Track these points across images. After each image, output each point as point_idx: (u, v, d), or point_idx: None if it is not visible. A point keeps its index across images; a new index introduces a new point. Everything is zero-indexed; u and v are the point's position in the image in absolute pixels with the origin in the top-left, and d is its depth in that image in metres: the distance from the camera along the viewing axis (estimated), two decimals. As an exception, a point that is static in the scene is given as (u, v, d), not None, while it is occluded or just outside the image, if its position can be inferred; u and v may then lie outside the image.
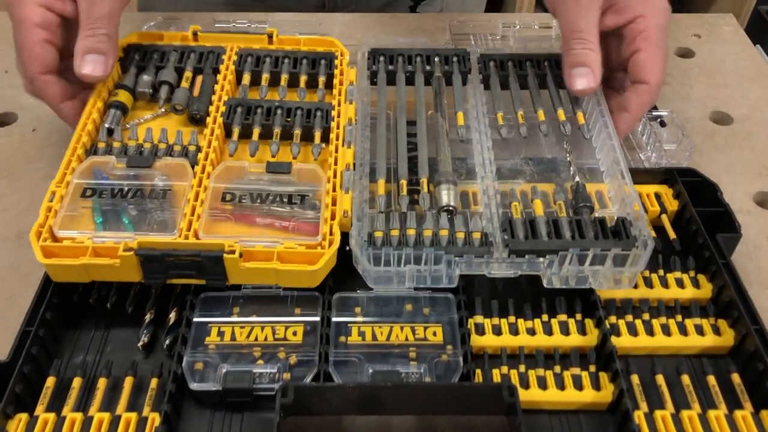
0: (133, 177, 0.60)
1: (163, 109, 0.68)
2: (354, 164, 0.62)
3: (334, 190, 0.60)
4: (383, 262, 0.55)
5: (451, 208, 0.59)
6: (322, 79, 0.70)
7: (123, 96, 0.66)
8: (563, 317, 0.58)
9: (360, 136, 0.64)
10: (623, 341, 0.56)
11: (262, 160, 0.64)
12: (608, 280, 0.55)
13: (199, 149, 0.62)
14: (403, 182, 0.61)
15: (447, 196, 0.59)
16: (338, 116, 0.66)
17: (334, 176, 0.61)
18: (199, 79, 0.69)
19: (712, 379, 0.54)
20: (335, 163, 0.62)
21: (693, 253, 0.63)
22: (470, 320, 0.57)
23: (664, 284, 0.60)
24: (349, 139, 0.64)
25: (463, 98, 0.69)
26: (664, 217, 0.66)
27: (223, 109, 0.66)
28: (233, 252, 0.53)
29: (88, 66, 0.63)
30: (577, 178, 0.62)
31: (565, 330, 0.57)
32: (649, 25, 0.64)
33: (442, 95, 0.69)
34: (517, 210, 0.60)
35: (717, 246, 0.61)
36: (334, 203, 0.59)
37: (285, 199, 0.59)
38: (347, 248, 0.56)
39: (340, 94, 0.68)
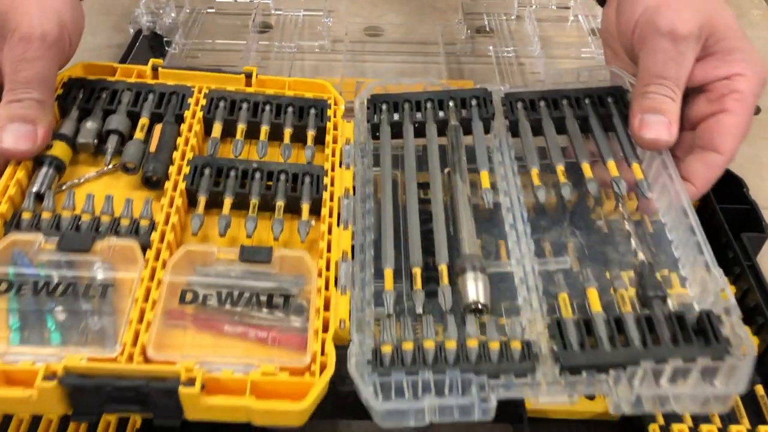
0: (65, 265, 0.46)
1: (110, 166, 0.54)
2: (352, 251, 0.49)
3: (326, 287, 0.46)
4: (394, 390, 0.42)
5: (480, 306, 0.46)
6: (311, 133, 0.57)
7: (59, 149, 0.52)
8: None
9: (360, 210, 0.51)
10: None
11: (235, 240, 0.51)
12: (696, 402, 0.42)
13: (153, 225, 0.49)
14: (417, 271, 0.48)
15: (475, 289, 0.46)
16: (332, 184, 0.53)
17: (327, 268, 0.47)
18: (158, 128, 0.55)
19: None
20: (328, 250, 0.49)
21: (716, 253, 0.52)
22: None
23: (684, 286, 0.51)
24: (346, 217, 0.50)
25: (487, 153, 0.56)
26: None
27: (186, 170, 0.52)
28: (192, 383, 0.40)
29: (9, 138, 0.49)
30: (641, 256, 0.49)
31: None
32: (746, 88, 0.52)
33: (460, 149, 0.55)
34: (567, 305, 0.47)
35: (742, 246, 0.57)
36: (326, 307, 0.45)
37: (263, 301, 0.46)
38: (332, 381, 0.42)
39: (333, 156, 0.55)
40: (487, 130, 0.58)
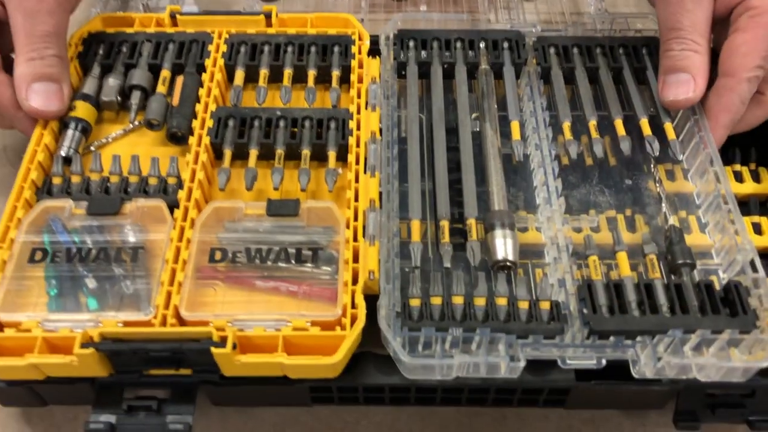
0: (96, 229, 0.46)
1: (134, 123, 0.53)
2: (380, 200, 0.47)
3: (355, 239, 0.46)
4: (422, 345, 0.42)
5: (509, 263, 0.45)
6: (336, 73, 0.55)
7: (83, 110, 0.52)
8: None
9: (386, 156, 0.50)
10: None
11: (262, 191, 0.50)
12: (718, 371, 0.41)
13: (180, 183, 0.48)
14: (445, 224, 0.47)
15: (503, 247, 0.45)
16: (357, 128, 0.51)
17: (355, 218, 0.47)
18: (179, 80, 0.54)
19: None
20: (356, 199, 0.48)
21: (754, 142, 0.53)
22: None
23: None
24: (373, 163, 0.49)
25: (518, 102, 0.53)
26: None
27: (210, 123, 0.51)
28: (224, 344, 0.40)
29: (38, 98, 0.49)
30: (671, 220, 0.47)
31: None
32: (762, 3, 0.47)
33: (490, 96, 0.53)
34: (597, 267, 0.45)
35: None
36: (356, 259, 0.45)
37: (292, 255, 0.45)
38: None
39: (359, 97, 0.53)
40: (518, 76, 0.55)
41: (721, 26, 0.51)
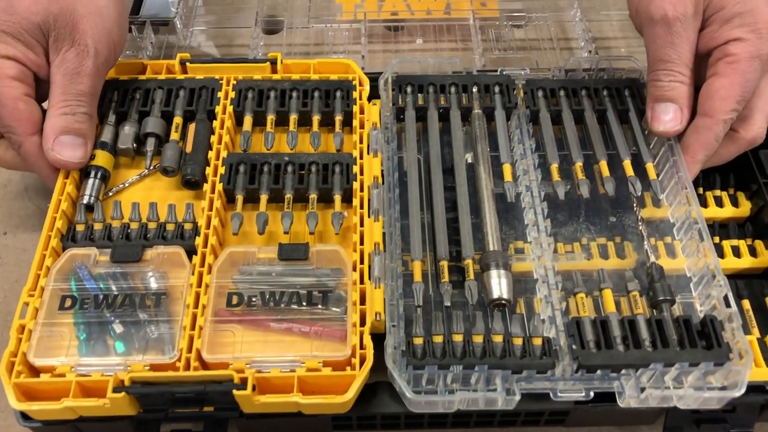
0: (120, 276, 0.50)
1: (150, 168, 0.57)
2: (383, 241, 0.51)
3: (361, 281, 0.49)
4: (426, 380, 0.46)
5: (504, 301, 0.49)
6: (338, 118, 0.59)
7: (102, 158, 0.55)
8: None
9: (388, 198, 0.53)
10: (663, 262, 0.52)
11: (273, 234, 0.54)
12: (696, 400, 0.45)
13: (196, 229, 0.52)
14: (444, 264, 0.51)
15: (498, 287, 0.49)
16: (361, 173, 0.55)
17: (361, 261, 0.50)
18: (192, 127, 0.57)
19: (746, 303, 0.53)
20: (361, 242, 0.51)
21: (733, 169, 0.58)
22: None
23: (704, 204, 0.57)
24: (377, 207, 0.53)
25: (509, 144, 0.57)
26: None
27: (222, 170, 0.55)
28: (244, 386, 0.44)
29: (66, 150, 0.52)
30: (652, 257, 0.51)
31: None
32: (741, 51, 0.51)
33: (483, 140, 0.57)
34: (585, 304, 0.49)
35: (759, 163, 0.57)
36: (362, 300, 0.49)
37: (303, 297, 0.49)
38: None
39: (361, 142, 0.57)
40: (508, 117, 0.59)
41: (698, 63, 0.55)
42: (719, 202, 0.58)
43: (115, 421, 0.46)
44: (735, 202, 0.58)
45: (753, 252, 0.55)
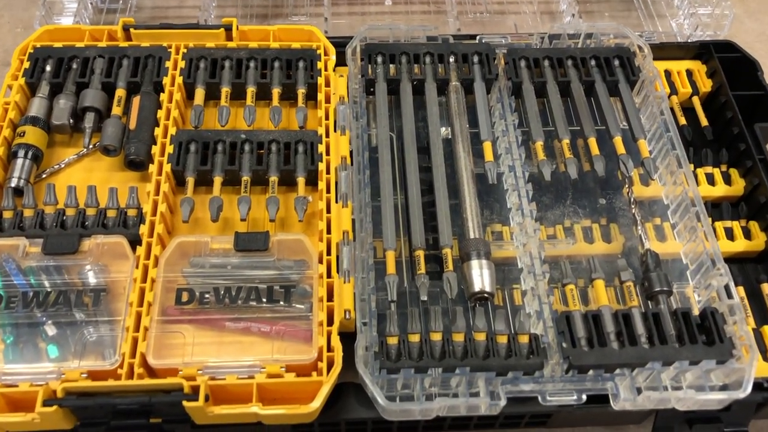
0: (53, 270, 0.44)
1: (89, 147, 0.50)
2: (353, 229, 0.46)
3: (329, 274, 0.44)
4: (401, 385, 0.41)
5: (486, 295, 0.44)
6: (301, 91, 0.53)
7: (33, 135, 0.49)
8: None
9: (357, 181, 0.48)
10: (654, 246, 0.48)
11: (228, 221, 0.48)
12: (696, 402, 0.41)
13: (141, 216, 0.46)
14: (420, 253, 0.46)
15: (480, 279, 0.44)
16: (327, 153, 0.49)
17: (328, 252, 0.45)
18: (136, 101, 0.51)
19: (740, 291, 0.48)
20: (328, 231, 0.46)
21: (727, 144, 0.55)
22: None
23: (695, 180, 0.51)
24: (345, 191, 0.47)
25: (489, 119, 0.52)
26: (695, 99, 0.58)
27: (170, 149, 0.49)
28: (196, 396, 0.39)
29: None
30: (647, 244, 0.47)
31: None
32: None
33: (461, 116, 0.52)
34: (574, 296, 0.45)
35: (754, 137, 0.54)
36: (330, 297, 0.43)
37: (263, 292, 0.44)
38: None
39: (327, 118, 0.51)
40: (488, 90, 0.54)
41: None
42: (711, 180, 0.54)
43: (47, 433, 0.41)
44: (728, 180, 0.54)
45: (747, 234, 0.52)
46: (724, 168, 0.55)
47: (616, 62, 0.55)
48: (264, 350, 0.42)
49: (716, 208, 0.53)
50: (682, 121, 0.57)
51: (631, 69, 0.54)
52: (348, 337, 0.42)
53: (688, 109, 0.58)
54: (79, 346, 0.42)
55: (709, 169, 0.54)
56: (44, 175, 0.49)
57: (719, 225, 0.52)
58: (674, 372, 0.41)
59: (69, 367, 0.40)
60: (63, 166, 0.50)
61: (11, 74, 0.51)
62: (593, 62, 0.55)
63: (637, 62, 0.54)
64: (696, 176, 0.53)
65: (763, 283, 0.50)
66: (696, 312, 0.44)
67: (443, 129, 0.52)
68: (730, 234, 0.51)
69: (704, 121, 0.57)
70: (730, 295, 0.44)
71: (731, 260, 0.51)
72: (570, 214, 0.50)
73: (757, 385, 0.44)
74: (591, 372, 0.42)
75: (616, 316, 0.43)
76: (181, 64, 0.53)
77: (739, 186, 0.54)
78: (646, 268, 0.46)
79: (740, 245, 0.51)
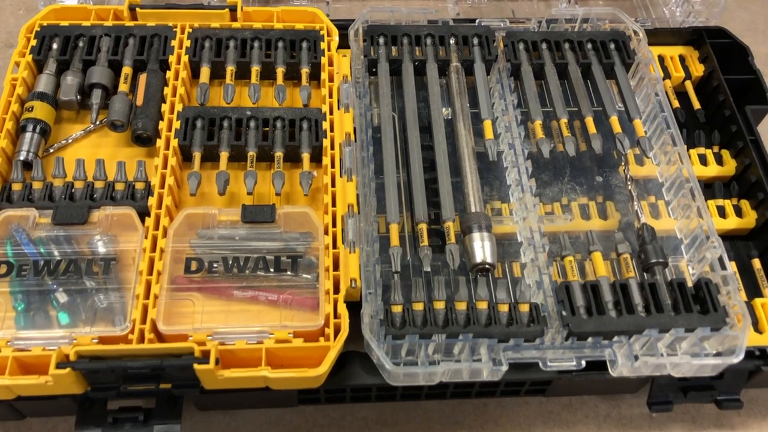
0: (63, 240, 0.44)
1: (96, 123, 0.51)
2: (357, 200, 0.47)
3: (334, 245, 0.45)
4: (405, 351, 0.42)
5: (487, 266, 0.45)
6: (305, 70, 0.54)
7: (41, 110, 0.49)
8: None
9: (361, 154, 0.49)
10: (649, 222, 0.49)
11: (235, 196, 0.49)
12: (691, 368, 0.43)
13: (149, 188, 0.47)
14: (423, 227, 0.47)
15: (481, 250, 0.45)
16: (331, 130, 0.50)
17: (333, 224, 0.46)
18: (142, 78, 0.52)
19: (732, 265, 0.48)
20: (333, 204, 0.47)
21: (719, 126, 0.57)
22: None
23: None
24: (349, 166, 0.48)
25: (489, 99, 0.53)
26: (688, 83, 0.60)
27: (177, 125, 0.49)
28: (207, 359, 0.39)
29: None
30: (642, 217, 0.48)
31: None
32: None
33: (462, 95, 0.53)
34: (573, 267, 0.46)
35: (745, 119, 0.56)
36: (336, 266, 0.44)
37: (270, 263, 0.44)
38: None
39: (331, 96, 0.52)
40: (488, 71, 0.55)
41: None
42: (704, 161, 0.55)
43: (56, 399, 0.42)
44: (720, 161, 0.56)
45: (739, 212, 0.53)
46: (716, 149, 0.56)
47: (612, 46, 0.56)
48: (272, 318, 0.43)
49: (709, 188, 0.55)
50: (676, 104, 0.58)
51: (626, 52, 0.55)
52: (354, 307, 0.43)
53: (681, 93, 0.60)
54: (90, 313, 0.42)
55: (701, 150, 0.56)
56: (52, 150, 0.50)
57: (711, 203, 0.53)
58: (670, 339, 0.43)
59: (80, 333, 0.41)
60: (71, 141, 0.51)
61: (18, 51, 0.52)
62: (590, 45, 0.56)
63: (632, 46, 0.56)
64: (689, 157, 0.55)
65: (754, 258, 0.52)
66: (690, 283, 0.45)
67: (444, 109, 0.54)
68: (722, 212, 0.53)
69: (697, 105, 0.59)
70: (723, 267, 0.45)
71: (723, 237, 0.52)
72: (568, 191, 0.52)
73: (749, 354, 0.45)
74: (590, 339, 0.43)
75: (613, 286, 0.45)
76: (187, 43, 0.54)
77: (730, 166, 0.55)
78: (642, 241, 0.47)
79: (732, 223, 0.53)
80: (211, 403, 0.46)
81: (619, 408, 0.50)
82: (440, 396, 0.47)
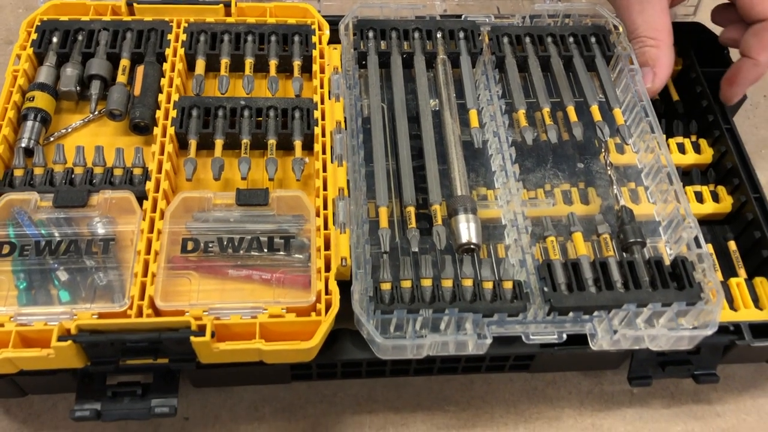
0: (64, 222, 0.46)
1: (95, 113, 0.53)
2: (348, 188, 0.49)
3: (325, 226, 0.47)
4: (394, 326, 0.44)
5: (473, 246, 0.47)
6: (297, 62, 0.56)
7: (42, 100, 0.51)
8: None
9: (351, 144, 0.51)
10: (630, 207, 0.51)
11: (229, 182, 0.51)
12: (668, 341, 0.45)
13: (147, 174, 0.49)
14: (411, 210, 0.49)
15: (467, 231, 0.47)
16: (322, 118, 0.52)
17: (324, 206, 0.48)
18: (140, 70, 0.54)
19: (709, 248, 0.51)
20: (324, 188, 0.49)
21: (696, 117, 0.60)
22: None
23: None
24: (340, 152, 0.50)
25: (474, 90, 0.55)
26: None
27: (173, 113, 0.51)
28: (203, 332, 0.41)
29: None
30: (622, 200, 0.50)
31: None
32: None
33: (449, 85, 0.55)
34: (555, 247, 0.48)
35: (721, 109, 0.59)
36: (327, 246, 0.46)
37: (264, 244, 0.46)
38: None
39: (322, 87, 0.54)
40: (473, 64, 0.57)
41: None
42: (682, 149, 0.58)
43: (57, 374, 0.43)
44: (697, 149, 0.58)
45: (715, 198, 0.55)
46: (694, 138, 0.59)
47: (593, 39, 0.58)
48: (265, 295, 0.45)
49: (687, 175, 0.57)
50: (655, 96, 0.61)
51: (606, 45, 0.58)
52: (344, 286, 0.45)
53: (660, 88, 0.62)
54: (90, 290, 0.44)
55: (680, 139, 0.58)
56: (52, 139, 0.52)
57: (689, 189, 0.55)
58: (648, 313, 0.44)
59: (80, 309, 0.42)
60: (70, 130, 0.52)
61: (19, 44, 0.54)
62: (571, 39, 0.58)
63: (612, 39, 0.58)
64: (668, 145, 0.57)
65: (730, 240, 0.54)
66: (668, 262, 0.47)
67: (432, 101, 0.56)
68: (699, 197, 0.55)
69: (675, 96, 0.62)
70: (699, 245, 0.47)
71: (701, 222, 0.54)
72: (550, 177, 0.54)
73: (724, 329, 0.48)
74: (570, 314, 0.45)
75: (593, 264, 0.47)
76: (183, 37, 0.55)
77: (707, 154, 0.57)
78: (621, 222, 0.49)
79: (709, 207, 0.55)
80: (207, 380, 0.48)
81: (602, 385, 0.52)
82: (428, 372, 0.49)
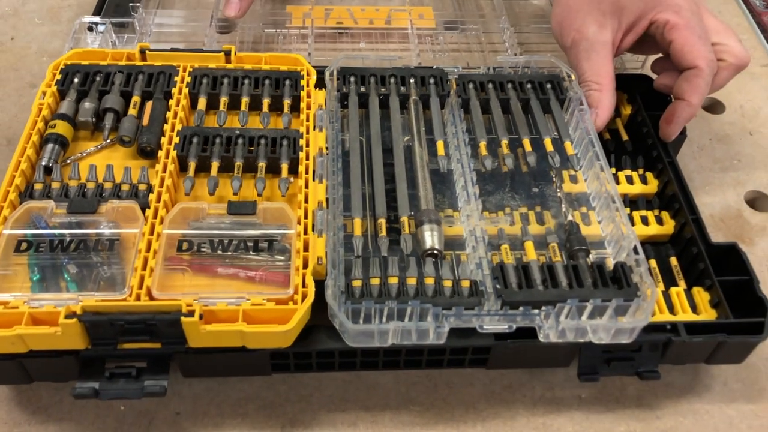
0: (75, 225, 0.52)
1: (108, 140, 0.60)
2: (327, 201, 0.55)
3: (305, 232, 0.53)
4: (363, 316, 0.49)
5: (435, 251, 0.53)
6: (287, 101, 0.64)
7: (62, 127, 0.59)
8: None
9: (332, 167, 0.58)
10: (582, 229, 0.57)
11: (223, 198, 0.57)
12: (609, 333, 0.50)
13: (150, 189, 0.55)
14: (382, 221, 0.55)
15: (431, 238, 0.53)
16: (307, 145, 0.60)
17: (305, 216, 0.54)
18: (149, 105, 0.61)
19: (653, 263, 0.60)
20: (305, 201, 0.55)
21: (643, 152, 0.68)
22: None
23: (616, 182, 0.63)
24: (321, 172, 0.57)
25: (442, 126, 0.63)
26: (618, 120, 0.71)
27: (176, 140, 0.59)
28: (192, 314, 0.47)
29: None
30: (570, 217, 0.57)
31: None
32: (670, 19, 0.63)
33: (419, 121, 0.63)
34: (508, 253, 0.54)
35: (665, 147, 0.66)
36: (306, 248, 0.52)
37: (250, 246, 0.52)
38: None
39: (308, 120, 0.62)
40: (442, 106, 0.65)
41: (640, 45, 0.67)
42: (630, 180, 0.65)
43: (61, 356, 0.48)
44: (644, 181, 0.65)
45: (660, 221, 0.62)
46: (641, 171, 0.66)
47: (548, 85, 0.66)
48: (249, 290, 0.51)
49: (634, 203, 0.64)
50: (607, 136, 0.69)
51: (560, 90, 0.65)
52: (320, 286, 0.51)
53: (612, 129, 0.70)
54: (95, 282, 0.50)
55: (628, 172, 0.66)
56: (69, 161, 0.59)
57: (636, 214, 0.62)
58: (590, 308, 0.50)
59: (86, 296, 0.48)
60: (85, 155, 0.60)
61: (46, 83, 0.62)
62: (529, 85, 0.66)
63: (565, 85, 0.66)
64: (617, 178, 0.65)
65: (672, 257, 0.60)
66: (610, 267, 0.53)
67: (405, 137, 0.63)
68: (645, 221, 0.62)
69: (625, 136, 0.69)
70: (637, 252, 0.53)
71: (647, 242, 0.62)
72: (508, 199, 0.60)
73: (662, 327, 0.53)
74: (521, 308, 0.50)
75: (542, 268, 0.52)
76: (188, 79, 0.64)
77: (653, 185, 0.65)
78: (569, 233, 0.55)
79: (653, 229, 0.62)
80: (195, 369, 0.53)
81: (553, 390, 0.56)
82: (395, 365, 0.54)
